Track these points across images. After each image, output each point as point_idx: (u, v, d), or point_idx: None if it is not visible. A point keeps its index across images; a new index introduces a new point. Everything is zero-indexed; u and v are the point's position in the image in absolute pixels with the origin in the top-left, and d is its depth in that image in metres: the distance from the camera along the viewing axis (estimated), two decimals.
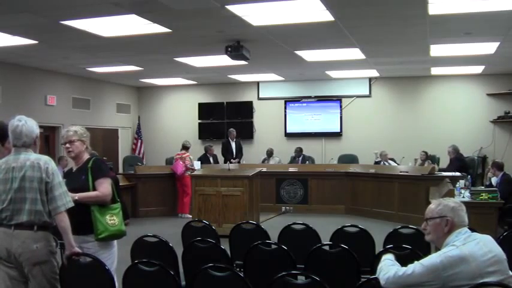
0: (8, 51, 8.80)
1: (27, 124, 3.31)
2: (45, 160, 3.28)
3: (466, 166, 9.94)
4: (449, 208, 2.69)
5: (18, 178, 3.21)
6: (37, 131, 3.37)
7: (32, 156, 3.28)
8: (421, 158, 10.72)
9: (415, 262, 2.59)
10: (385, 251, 3.25)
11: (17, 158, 3.28)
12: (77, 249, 3.31)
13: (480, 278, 2.44)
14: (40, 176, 3.21)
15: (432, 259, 2.54)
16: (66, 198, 3.25)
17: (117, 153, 13.73)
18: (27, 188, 3.20)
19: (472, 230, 2.71)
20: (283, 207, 10.65)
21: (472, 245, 2.53)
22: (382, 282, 2.64)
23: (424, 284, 2.51)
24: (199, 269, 3.09)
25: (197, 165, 10.19)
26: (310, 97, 13.35)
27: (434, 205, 2.75)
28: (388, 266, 2.70)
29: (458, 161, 9.94)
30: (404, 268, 2.60)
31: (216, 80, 13.26)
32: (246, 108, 13.75)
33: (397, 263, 2.74)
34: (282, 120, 13.48)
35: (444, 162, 10.75)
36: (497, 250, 2.57)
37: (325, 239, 4.33)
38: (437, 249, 2.73)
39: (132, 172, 10.73)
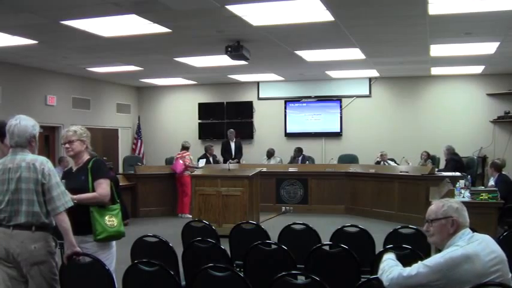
0: (8, 51, 8.79)
1: (20, 124, 3.29)
2: (41, 161, 3.26)
3: (462, 166, 9.93)
4: (454, 209, 2.68)
5: (14, 179, 3.21)
6: (33, 132, 3.33)
7: (28, 157, 3.26)
8: (423, 157, 10.71)
9: (419, 262, 2.58)
10: (386, 250, 3.24)
11: (13, 158, 3.27)
12: (78, 249, 3.31)
13: (484, 278, 2.44)
14: (36, 177, 3.20)
15: (436, 259, 2.53)
16: (64, 198, 3.25)
17: (117, 153, 13.72)
18: (24, 190, 3.20)
19: (473, 230, 2.70)
20: (283, 207, 10.65)
21: (475, 245, 2.53)
22: (385, 283, 2.62)
23: (428, 284, 2.50)
24: (199, 269, 3.09)
25: (202, 163, 10.19)
26: (310, 97, 13.35)
27: (437, 206, 2.73)
28: (391, 267, 2.68)
29: (454, 161, 9.94)
30: (408, 269, 2.59)
31: (216, 80, 13.26)
32: (246, 108, 13.74)
33: (400, 263, 2.73)
34: (282, 120, 13.47)
35: (444, 162, 10.74)
36: (499, 251, 2.57)
37: (325, 239, 4.33)
38: (438, 249, 2.72)
39: (132, 172, 10.72)
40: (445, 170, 9.86)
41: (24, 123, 3.31)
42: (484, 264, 2.46)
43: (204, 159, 10.46)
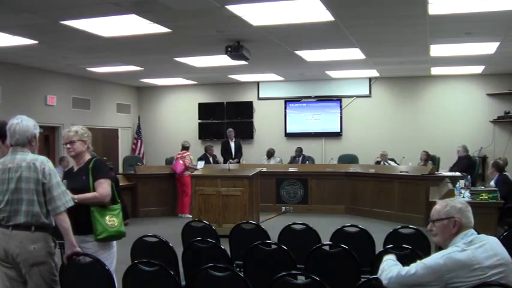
0: (8, 51, 8.79)
1: (22, 123, 3.31)
2: (41, 161, 3.27)
3: (473, 166, 10.12)
4: (457, 209, 2.66)
5: (14, 179, 3.21)
6: (34, 131, 3.35)
7: (29, 157, 3.27)
8: (422, 157, 10.74)
9: (418, 262, 2.58)
10: (386, 251, 3.24)
11: (13, 158, 3.27)
12: (78, 249, 3.31)
13: (483, 281, 2.43)
14: (36, 177, 3.20)
15: (435, 259, 2.53)
16: (65, 197, 3.25)
17: (117, 153, 13.72)
18: (24, 189, 3.19)
19: (478, 231, 2.69)
20: (283, 207, 10.65)
21: (476, 248, 2.52)
22: (384, 282, 2.63)
23: (426, 284, 2.50)
24: (199, 269, 3.09)
25: (200, 164, 10.20)
26: (310, 97, 13.35)
27: (441, 206, 2.72)
28: (390, 266, 2.69)
29: (467, 160, 10.10)
30: (407, 268, 2.59)
31: (216, 80, 13.26)
32: (246, 108, 13.74)
33: (399, 263, 2.73)
34: (282, 120, 13.47)
35: (444, 162, 10.75)
36: (503, 253, 2.56)
37: (325, 239, 4.33)
38: (440, 248, 2.72)
39: (132, 172, 10.73)
40: (455, 166, 9.96)
41: (26, 123, 3.33)
42: (484, 268, 2.45)
43: (203, 161, 10.44)
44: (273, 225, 7.29)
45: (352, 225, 4.50)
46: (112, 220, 3.56)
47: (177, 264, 3.91)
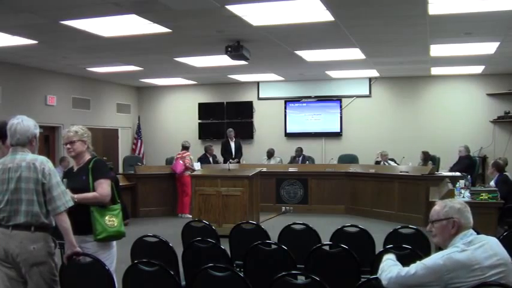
0: (8, 51, 8.79)
1: (23, 123, 3.31)
2: (41, 161, 3.27)
3: (473, 166, 10.19)
4: (456, 209, 2.66)
5: (14, 179, 3.21)
6: (34, 131, 3.35)
7: (29, 157, 3.27)
8: (421, 157, 10.74)
9: (417, 262, 2.58)
10: (386, 251, 3.24)
11: (13, 158, 3.27)
12: (78, 249, 3.31)
13: (483, 281, 2.43)
14: (36, 177, 3.20)
15: (435, 260, 2.53)
16: (65, 197, 3.25)
17: (117, 153, 13.72)
18: (23, 189, 3.19)
19: (477, 232, 2.69)
20: (283, 207, 10.65)
21: (475, 248, 2.52)
22: (384, 282, 2.63)
23: (426, 284, 2.50)
24: (199, 269, 3.09)
25: (197, 166, 10.18)
26: (310, 97, 13.35)
27: (440, 207, 2.72)
28: (390, 266, 2.69)
29: (467, 160, 10.16)
30: (406, 268, 2.59)
31: (216, 80, 13.26)
32: (246, 108, 13.74)
33: (399, 263, 2.73)
34: (282, 120, 13.48)
35: (444, 162, 10.75)
36: (503, 253, 2.56)
37: (325, 239, 4.33)
38: (439, 248, 2.72)
39: (132, 172, 10.73)
40: (455, 166, 10.01)
41: (26, 123, 3.33)
42: (484, 268, 2.45)
43: (199, 163, 10.43)
44: (273, 225, 7.29)
45: (352, 225, 4.50)
46: (112, 220, 3.56)
47: (177, 264, 3.91)
